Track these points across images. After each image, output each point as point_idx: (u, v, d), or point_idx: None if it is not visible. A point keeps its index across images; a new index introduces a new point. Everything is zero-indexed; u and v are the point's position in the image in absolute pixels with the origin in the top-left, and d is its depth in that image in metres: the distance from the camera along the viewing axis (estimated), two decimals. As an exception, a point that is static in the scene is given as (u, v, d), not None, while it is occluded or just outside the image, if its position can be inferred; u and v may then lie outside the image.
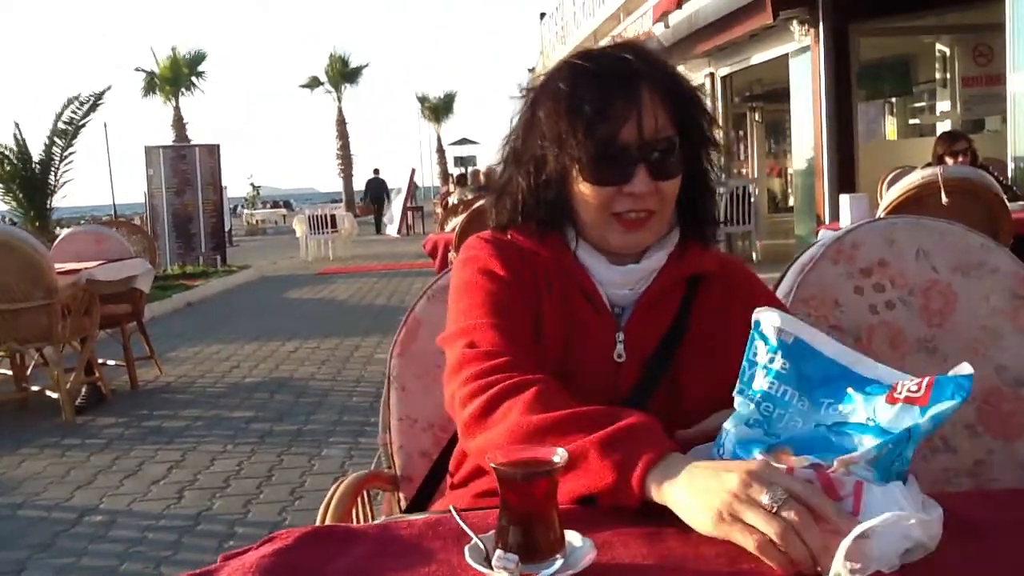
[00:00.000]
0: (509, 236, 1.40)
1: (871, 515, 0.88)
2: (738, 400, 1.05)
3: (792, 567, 0.88)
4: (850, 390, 1.01)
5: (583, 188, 1.31)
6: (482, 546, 0.95)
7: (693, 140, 1.34)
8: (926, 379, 0.97)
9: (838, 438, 0.99)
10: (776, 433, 1.01)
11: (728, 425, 1.05)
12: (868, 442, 0.96)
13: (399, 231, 23.55)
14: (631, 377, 1.26)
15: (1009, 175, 7.50)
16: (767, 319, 1.07)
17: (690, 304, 1.36)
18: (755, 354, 1.05)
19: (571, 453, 1.02)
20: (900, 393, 0.97)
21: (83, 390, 5.82)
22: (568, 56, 1.38)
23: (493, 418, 1.16)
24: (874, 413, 0.98)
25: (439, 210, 15.76)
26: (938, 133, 8.23)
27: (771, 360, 1.03)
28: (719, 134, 1.39)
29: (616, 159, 1.27)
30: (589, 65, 1.31)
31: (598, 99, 1.26)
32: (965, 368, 0.95)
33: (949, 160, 6.08)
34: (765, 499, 0.90)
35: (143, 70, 30.83)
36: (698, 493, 0.97)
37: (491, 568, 0.91)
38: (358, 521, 1.54)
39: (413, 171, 25.35)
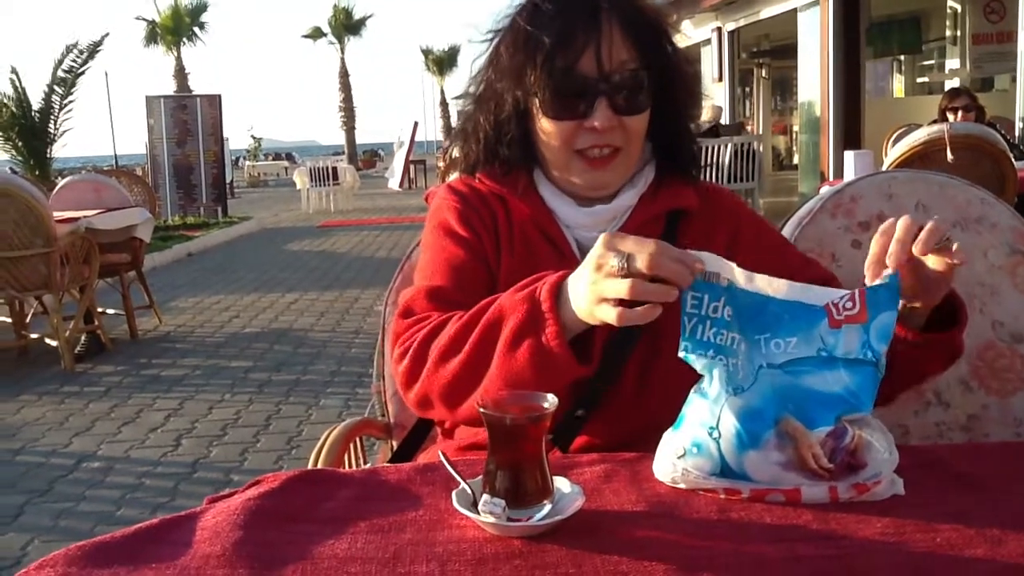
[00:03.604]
0: (477, 179, 1.37)
1: (876, 464, 0.94)
2: (690, 360, 0.98)
3: (656, 310, 0.93)
4: (786, 322, 0.97)
5: (544, 124, 1.27)
6: (469, 491, 0.95)
7: (662, 75, 1.28)
8: (856, 292, 0.97)
9: (806, 381, 0.96)
10: (742, 385, 0.97)
11: (695, 396, 1.00)
12: (836, 379, 0.96)
13: (401, 184, 23.43)
14: (605, 329, 1.09)
15: (1016, 134, 7.44)
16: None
17: (670, 243, 1.31)
18: (693, 306, 0.97)
19: (490, 312, 1.06)
20: (840, 315, 0.96)
21: (82, 338, 5.83)
22: None
23: (422, 366, 1.14)
24: (822, 342, 0.96)
25: (441, 164, 15.68)
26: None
27: (715, 309, 0.97)
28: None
29: (576, 92, 1.23)
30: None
31: (557, 30, 1.23)
32: (887, 271, 0.99)
33: (950, 115, 6.03)
34: (614, 265, 0.95)
35: (144, 19, 30.47)
36: (575, 287, 1.01)
37: (478, 513, 0.91)
38: (351, 468, 1.54)
39: (416, 124, 25.13)
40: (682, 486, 1.00)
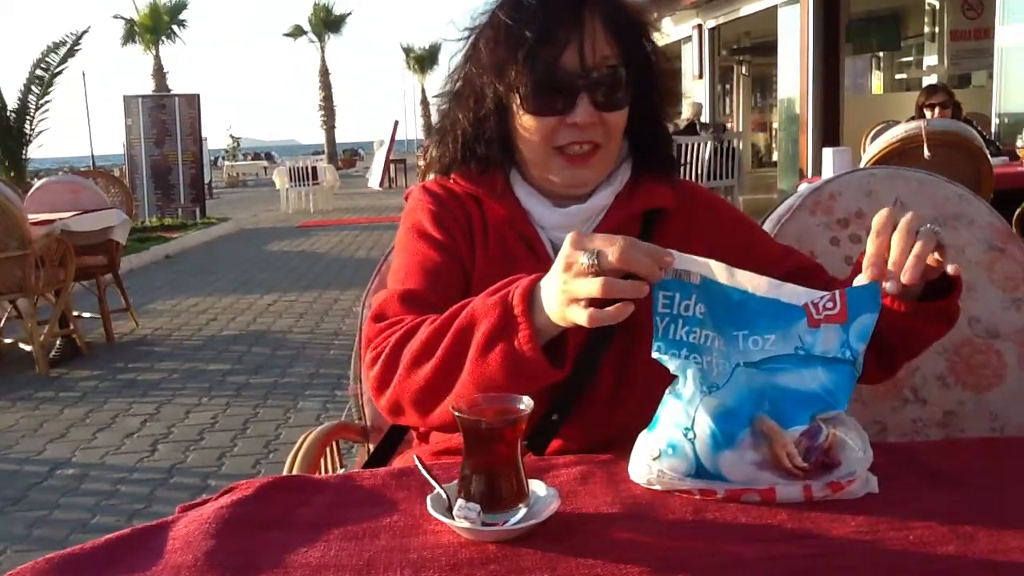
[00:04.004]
0: (452, 180, 1.36)
1: (851, 462, 0.95)
2: (664, 360, 0.97)
3: (627, 308, 0.93)
4: (765, 319, 0.97)
5: (524, 120, 1.26)
6: (444, 495, 0.94)
7: (641, 73, 1.28)
8: (837, 293, 0.97)
9: (783, 379, 0.96)
10: (716, 384, 0.97)
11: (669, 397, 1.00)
12: (813, 376, 0.96)
13: (381, 184, 23.36)
14: (579, 332, 1.06)
15: (993, 130, 7.50)
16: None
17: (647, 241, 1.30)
18: (665, 305, 0.96)
19: (462, 317, 1.05)
20: (820, 314, 0.96)
21: (57, 343, 5.77)
22: None
23: (394, 371, 1.13)
24: (800, 341, 0.96)
25: (421, 162, 15.66)
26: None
27: (686, 308, 0.97)
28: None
29: (557, 87, 1.22)
30: None
31: (539, 25, 1.22)
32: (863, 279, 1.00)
33: (927, 112, 6.08)
34: (584, 263, 0.94)
35: (122, 17, 30.23)
36: (547, 290, 1.00)
37: (452, 518, 0.90)
38: (326, 472, 1.53)
39: (396, 123, 25.06)
40: (657, 487, 0.99)
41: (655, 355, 0.97)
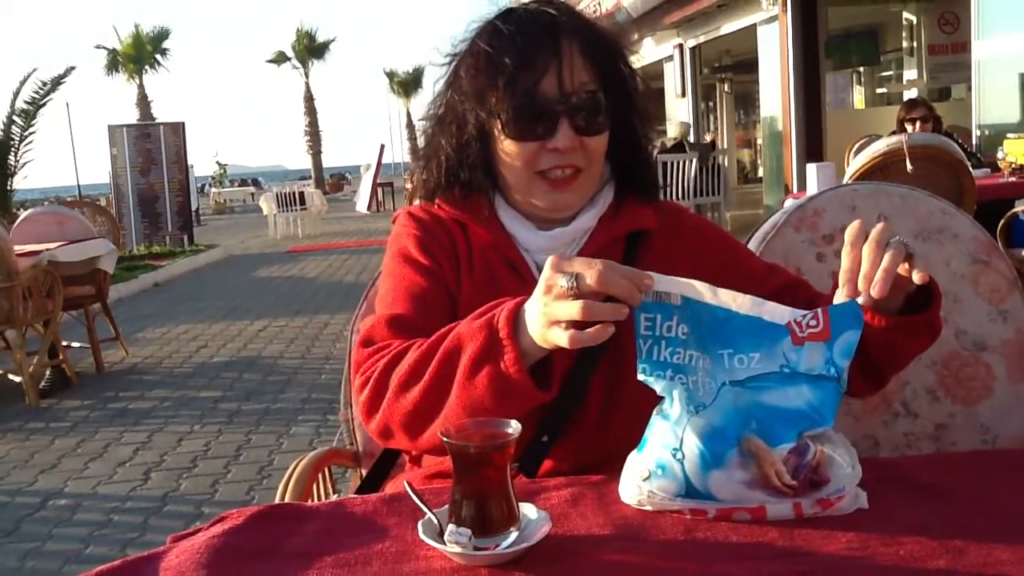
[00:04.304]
0: (436, 205, 1.37)
1: (839, 479, 0.96)
2: (649, 382, 0.98)
3: (608, 330, 0.94)
4: (749, 337, 0.98)
5: (506, 146, 1.27)
6: (435, 521, 0.94)
7: (620, 97, 1.30)
8: (819, 311, 0.97)
9: (769, 397, 0.97)
10: (703, 403, 0.97)
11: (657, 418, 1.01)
12: (799, 394, 0.96)
13: (369, 207, 23.38)
14: (566, 354, 1.03)
15: (973, 142, 7.57)
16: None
17: (631, 265, 1.31)
18: (647, 327, 0.98)
19: (448, 341, 1.06)
20: (803, 332, 0.97)
21: (47, 373, 5.74)
22: (490, 16, 1.33)
23: (383, 395, 1.13)
24: (785, 359, 0.97)
25: (409, 185, 15.67)
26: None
27: (668, 329, 0.98)
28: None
29: (538, 112, 1.24)
30: (510, 21, 1.28)
31: (518, 52, 1.24)
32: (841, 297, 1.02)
33: (908, 126, 6.13)
34: (563, 285, 0.95)
35: (104, 47, 30.27)
36: (530, 313, 1.00)
37: (444, 543, 0.90)
38: (319, 499, 1.52)
39: (382, 147, 25.12)
40: (648, 508, 0.99)
41: (641, 377, 0.98)
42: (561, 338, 0.96)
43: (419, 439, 1.12)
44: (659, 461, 0.98)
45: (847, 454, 0.97)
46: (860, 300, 1.00)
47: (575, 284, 0.95)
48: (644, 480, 0.99)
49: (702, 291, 0.98)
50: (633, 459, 1.01)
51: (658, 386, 0.98)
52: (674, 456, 0.97)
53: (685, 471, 0.96)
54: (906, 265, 1.01)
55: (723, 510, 0.96)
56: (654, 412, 1.01)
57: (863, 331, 0.97)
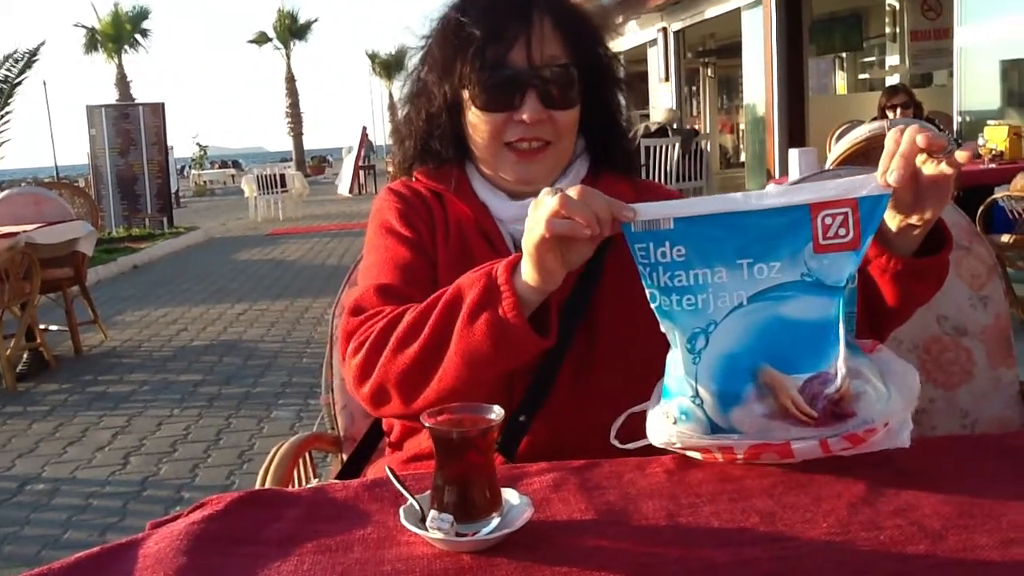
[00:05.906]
0: (414, 179, 1.39)
1: (867, 412, 0.95)
2: (661, 311, 1.00)
3: (581, 227, 0.96)
4: (765, 243, 0.96)
5: (474, 116, 1.29)
6: (417, 507, 0.93)
7: (593, 73, 1.31)
8: (848, 215, 0.95)
9: (787, 309, 0.96)
10: (715, 319, 0.98)
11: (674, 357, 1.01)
12: (819, 305, 0.95)
13: (351, 190, 23.27)
14: (561, 292, 1.10)
15: (955, 128, 7.61)
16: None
17: (605, 242, 1.30)
18: (643, 256, 0.99)
19: (449, 292, 1.08)
20: (828, 239, 0.95)
21: (24, 356, 5.68)
22: None
23: (379, 355, 1.14)
24: (806, 267, 0.96)
25: (390, 168, 15.61)
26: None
27: (663, 254, 0.98)
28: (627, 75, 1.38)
29: (506, 83, 1.25)
30: None
31: (488, 22, 1.25)
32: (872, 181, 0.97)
33: (889, 113, 6.16)
34: (549, 197, 0.98)
35: (83, 26, 29.89)
36: (526, 241, 1.01)
37: (426, 529, 0.89)
38: (300, 484, 1.52)
39: (364, 129, 25.00)
40: (678, 447, 1.02)
41: (653, 305, 1.00)
42: (540, 228, 0.98)
43: (414, 399, 1.12)
44: (681, 407, 1.00)
45: (882, 386, 0.96)
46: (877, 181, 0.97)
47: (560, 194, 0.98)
48: (672, 424, 1.00)
49: (694, 204, 0.98)
50: (656, 404, 1.03)
51: (664, 326, 1.00)
52: (693, 402, 0.99)
53: (707, 413, 0.98)
54: (939, 165, 0.98)
55: (751, 450, 0.98)
56: (667, 358, 1.02)
57: (873, 275, 1.00)
